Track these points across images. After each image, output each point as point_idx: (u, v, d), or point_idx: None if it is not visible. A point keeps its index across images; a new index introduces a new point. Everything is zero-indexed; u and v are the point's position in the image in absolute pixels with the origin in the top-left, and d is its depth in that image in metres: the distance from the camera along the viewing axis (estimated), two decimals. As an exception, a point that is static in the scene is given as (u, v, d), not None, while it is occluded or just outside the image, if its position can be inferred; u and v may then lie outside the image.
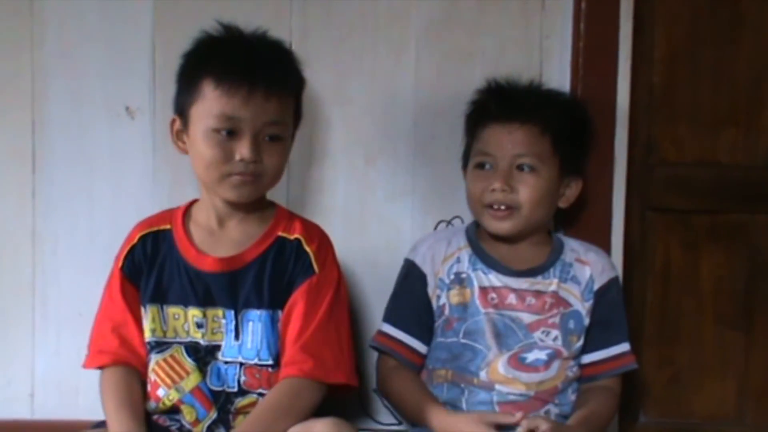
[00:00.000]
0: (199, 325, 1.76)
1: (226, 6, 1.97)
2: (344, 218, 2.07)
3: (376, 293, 2.01)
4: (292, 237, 1.79)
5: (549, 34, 2.08)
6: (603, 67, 2.05)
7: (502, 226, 1.88)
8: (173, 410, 1.76)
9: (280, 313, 1.76)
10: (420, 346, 1.90)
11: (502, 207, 1.86)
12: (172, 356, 1.76)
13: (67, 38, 2.04)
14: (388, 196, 2.09)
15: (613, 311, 1.92)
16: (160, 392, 1.76)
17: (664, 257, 2.15)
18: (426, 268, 1.91)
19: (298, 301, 1.75)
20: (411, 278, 1.92)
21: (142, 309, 1.79)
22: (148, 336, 1.77)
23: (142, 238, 1.81)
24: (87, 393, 2.02)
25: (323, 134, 2.07)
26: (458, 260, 1.91)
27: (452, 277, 1.90)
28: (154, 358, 1.77)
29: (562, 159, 1.90)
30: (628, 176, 2.08)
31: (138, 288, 1.80)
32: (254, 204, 1.80)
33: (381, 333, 1.92)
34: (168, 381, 1.75)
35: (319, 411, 1.73)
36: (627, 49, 2.06)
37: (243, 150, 1.70)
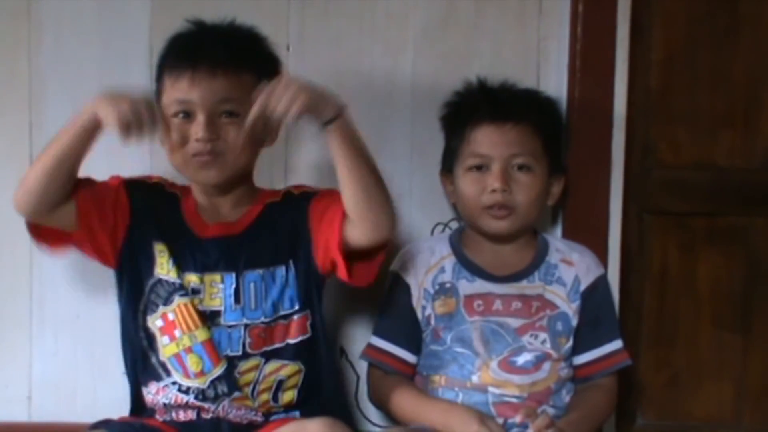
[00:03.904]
0: (195, 291, 1.78)
1: (223, 8, 1.95)
2: (341, 220, 2.07)
3: (372, 296, 2.00)
4: (279, 198, 1.84)
5: (546, 37, 2.08)
6: (600, 70, 2.05)
7: (501, 225, 1.87)
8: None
9: (280, 268, 1.79)
10: (410, 357, 1.90)
11: (501, 209, 1.86)
12: (192, 303, 1.77)
13: (64, 40, 2.05)
14: (385, 199, 2.08)
15: (601, 310, 1.92)
16: (177, 332, 1.77)
17: (662, 260, 2.15)
18: (410, 279, 1.91)
19: (320, 205, 1.78)
20: (396, 290, 1.92)
21: (153, 245, 1.79)
22: (163, 273, 1.78)
23: (159, 184, 1.87)
24: (84, 395, 2.03)
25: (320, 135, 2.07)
26: (442, 270, 1.91)
27: (437, 287, 1.90)
28: (178, 300, 1.78)
29: (551, 157, 1.91)
30: (626, 179, 2.08)
31: (130, 204, 1.80)
32: (241, 187, 1.82)
33: (370, 346, 1.92)
34: (184, 326, 1.77)
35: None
36: (624, 52, 2.05)
37: (197, 129, 1.73)
